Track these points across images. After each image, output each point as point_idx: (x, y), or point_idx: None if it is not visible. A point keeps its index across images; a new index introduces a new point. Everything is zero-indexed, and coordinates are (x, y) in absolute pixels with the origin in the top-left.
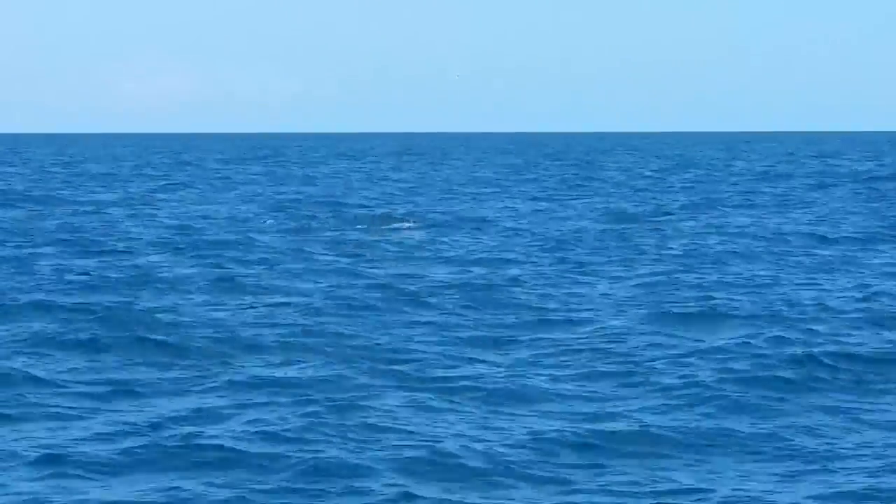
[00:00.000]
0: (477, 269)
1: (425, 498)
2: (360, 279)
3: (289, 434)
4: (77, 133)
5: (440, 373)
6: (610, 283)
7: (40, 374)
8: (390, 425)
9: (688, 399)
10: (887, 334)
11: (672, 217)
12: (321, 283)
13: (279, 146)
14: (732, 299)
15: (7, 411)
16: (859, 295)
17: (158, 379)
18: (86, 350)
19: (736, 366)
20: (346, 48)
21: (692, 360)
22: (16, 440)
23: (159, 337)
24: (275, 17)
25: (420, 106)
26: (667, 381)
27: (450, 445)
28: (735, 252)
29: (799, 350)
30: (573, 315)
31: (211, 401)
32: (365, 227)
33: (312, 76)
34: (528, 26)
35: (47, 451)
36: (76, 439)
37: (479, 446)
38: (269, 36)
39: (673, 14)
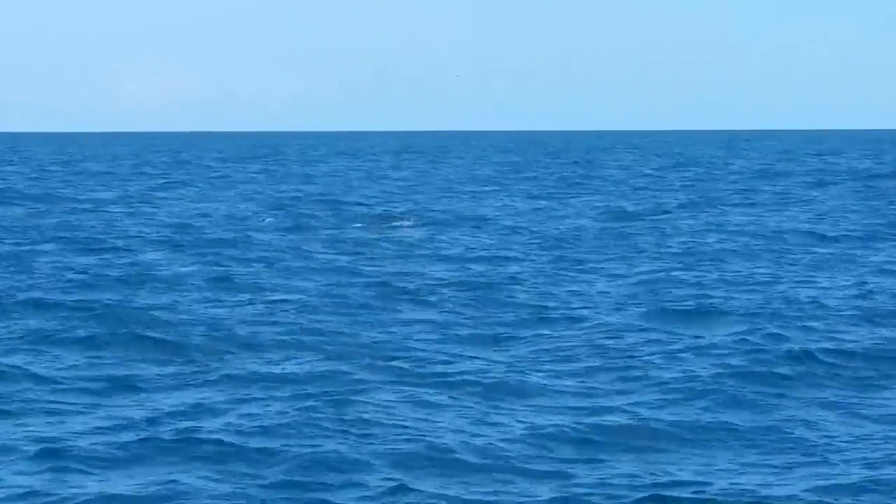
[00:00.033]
0: (476, 267)
1: (423, 492)
2: (359, 277)
3: (286, 429)
4: (77, 132)
5: (439, 369)
6: (609, 280)
7: (39, 370)
8: (388, 420)
9: (686, 394)
10: (884, 331)
11: (671, 215)
12: (320, 280)
13: (278, 144)
14: (731, 297)
15: (6, 407)
16: (857, 292)
17: (157, 375)
18: (84, 347)
19: (734, 362)
20: (346, 48)
21: (690, 356)
22: (15, 435)
23: (158, 334)
24: (275, 17)
25: (420, 105)
26: (665, 376)
27: (448, 440)
28: (734, 250)
29: (796, 346)
30: (572, 312)
31: (209, 396)
32: (364, 225)
33: (312, 76)
34: (527, 25)
35: (46, 445)
36: (74, 434)
37: (477, 441)
38: (269, 36)
39: (672, 13)
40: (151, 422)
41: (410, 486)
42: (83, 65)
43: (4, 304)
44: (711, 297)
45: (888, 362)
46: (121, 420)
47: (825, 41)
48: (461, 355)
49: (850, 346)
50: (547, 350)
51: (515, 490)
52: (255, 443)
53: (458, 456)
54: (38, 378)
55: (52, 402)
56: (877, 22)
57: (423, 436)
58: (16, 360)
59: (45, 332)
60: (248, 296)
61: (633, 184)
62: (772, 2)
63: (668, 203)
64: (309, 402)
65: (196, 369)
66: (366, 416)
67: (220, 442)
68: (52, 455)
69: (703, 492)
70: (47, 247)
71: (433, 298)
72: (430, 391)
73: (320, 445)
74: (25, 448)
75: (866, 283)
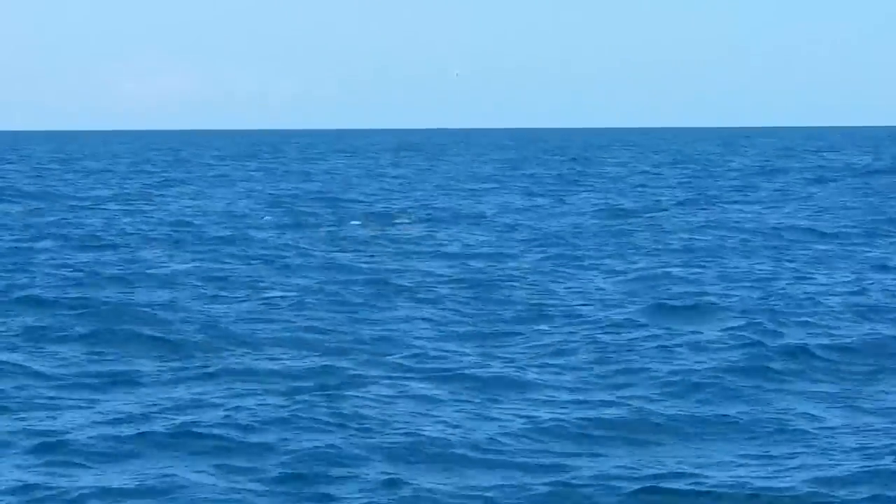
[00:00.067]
0: (474, 264)
1: (421, 486)
2: (358, 274)
3: (284, 423)
4: (76, 130)
5: (437, 364)
6: (607, 277)
7: (37, 366)
8: (386, 415)
9: (684, 387)
10: (881, 327)
11: (669, 212)
12: (318, 278)
13: (278, 143)
14: (729, 293)
15: (4, 403)
16: (854, 289)
17: (155, 371)
18: (83, 343)
19: (732, 356)
20: (346, 48)
21: (688, 351)
22: (13, 430)
23: (156, 330)
24: (275, 17)
25: (420, 105)
26: (663, 370)
27: (447, 434)
28: (732, 247)
29: (794, 341)
30: (570, 308)
31: (207, 391)
32: (363, 222)
33: (312, 76)
34: (526, 23)
35: (44, 439)
36: (72, 428)
37: (476, 435)
38: (269, 36)
39: (671, 11)
40: (149, 417)
41: (408, 480)
42: (83, 65)
43: (3, 301)
44: (710, 293)
45: (886, 357)
46: (118, 415)
47: (824, 38)
48: (459, 351)
49: (847, 341)
50: (545, 345)
51: (514, 483)
52: (252, 437)
53: (456, 450)
54: (36, 374)
55: (51, 397)
56: (876, 19)
57: (422, 430)
58: (14, 356)
59: (44, 328)
60: (246, 293)
61: (631, 181)
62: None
63: (666, 200)
64: (307, 397)
65: (194, 365)
66: (364, 410)
67: (218, 436)
68: (50, 449)
69: (702, 483)
70: (45, 244)
71: (432, 295)
72: (429, 386)
73: (318, 440)
74: (24, 442)
75: (864, 279)
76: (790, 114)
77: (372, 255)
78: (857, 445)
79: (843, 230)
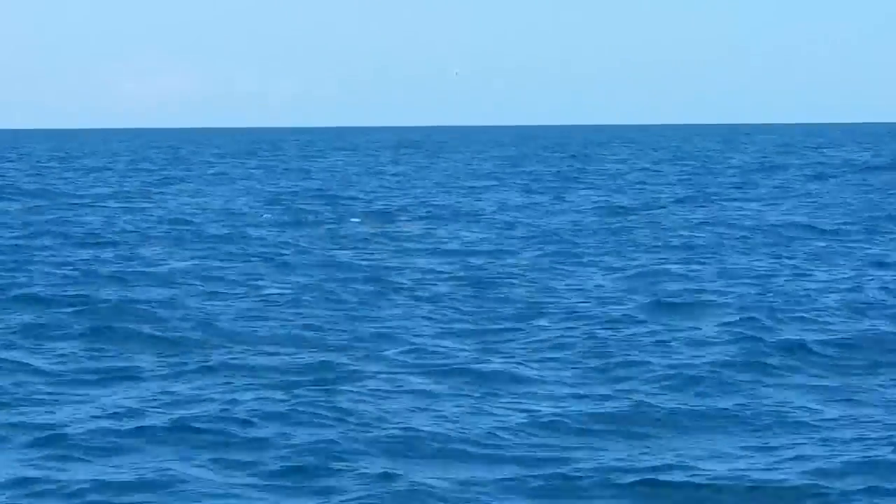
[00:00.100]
0: (474, 261)
1: (419, 479)
2: (357, 272)
3: (282, 418)
4: (76, 129)
5: (436, 360)
6: (605, 273)
7: (36, 363)
8: (385, 409)
9: (682, 381)
10: (879, 323)
11: (668, 209)
12: (317, 275)
13: (277, 140)
14: (728, 290)
15: (2, 398)
16: (854, 285)
17: (153, 367)
18: (81, 340)
19: (730, 351)
20: (346, 48)
21: (687, 346)
22: (11, 424)
23: (155, 327)
24: (275, 17)
25: (420, 105)
26: (662, 364)
27: (445, 428)
28: (731, 244)
29: (793, 337)
30: (569, 305)
31: (205, 386)
32: (362, 220)
33: (312, 76)
34: (525, 21)
35: (42, 433)
36: (70, 423)
37: (474, 429)
38: (269, 36)
39: (671, 8)
40: (148, 412)
41: (406, 474)
42: (83, 65)
43: (2, 298)
44: (708, 289)
45: (884, 353)
46: (117, 409)
47: (824, 34)
48: (458, 347)
49: (846, 337)
50: (543, 341)
51: (512, 476)
52: (251, 432)
53: (454, 444)
54: (34, 370)
55: (49, 392)
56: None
57: (420, 424)
58: (13, 353)
59: (42, 326)
60: (244, 290)
61: (630, 178)
62: None
63: (665, 197)
64: (305, 392)
65: (193, 361)
66: (362, 405)
67: (216, 431)
68: (49, 443)
69: (701, 475)
70: (44, 241)
71: (430, 292)
72: (427, 381)
73: (316, 434)
74: (22, 437)
75: (864, 275)
76: (790, 110)
77: (371, 253)
78: (856, 437)
79: (843, 227)
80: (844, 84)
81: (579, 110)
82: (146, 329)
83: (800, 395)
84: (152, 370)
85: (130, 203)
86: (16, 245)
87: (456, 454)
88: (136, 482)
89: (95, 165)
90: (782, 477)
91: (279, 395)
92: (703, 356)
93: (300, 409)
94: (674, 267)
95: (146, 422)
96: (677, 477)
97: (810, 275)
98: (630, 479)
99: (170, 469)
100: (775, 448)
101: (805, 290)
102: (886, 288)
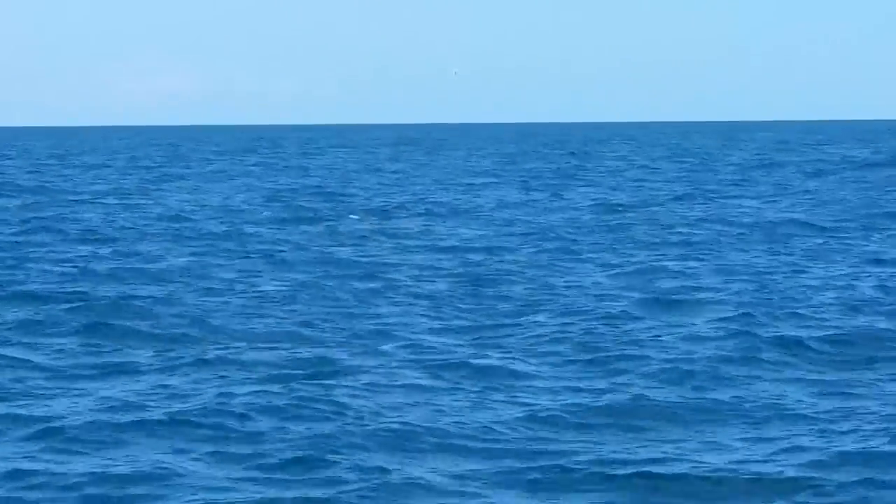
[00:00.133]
0: (472, 257)
1: (417, 473)
2: (355, 268)
3: (277, 411)
4: (75, 127)
5: (434, 355)
6: (604, 270)
7: (33, 358)
8: (383, 404)
9: (679, 375)
10: (875, 319)
11: (666, 206)
12: (315, 272)
13: (276, 138)
14: (725, 286)
15: (0, 393)
16: (849, 282)
17: (150, 361)
18: (79, 336)
19: (727, 346)
20: (346, 47)
21: (685, 342)
22: (9, 417)
23: (152, 323)
24: (275, 17)
25: (419, 104)
26: (660, 359)
27: (443, 423)
28: (729, 241)
29: (790, 333)
30: (567, 301)
31: (202, 381)
32: (360, 216)
33: (312, 76)
34: (525, 18)
35: (40, 426)
36: (68, 416)
37: (470, 423)
38: (269, 36)
39: (670, 6)
40: (145, 405)
41: (404, 468)
42: (83, 64)
43: (0, 294)
44: (706, 286)
45: (881, 349)
46: (114, 403)
47: (823, 32)
48: (456, 342)
49: (843, 333)
50: (541, 336)
51: (509, 469)
52: (248, 425)
53: (451, 438)
54: (32, 366)
55: (46, 387)
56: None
57: (418, 418)
58: (10, 349)
59: (40, 321)
60: (242, 286)
61: (629, 175)
62: None
63: (663, 194)
64: (302, 386)
65: (190, 355)
66: (359, 399)
67: (213, 425)
68: (47, 436)
69: (699, 467)
70: (43, 238)
71: (428, 289)
72: (425, 375)
73: (313, 428)
74: (20, 430)
75: (861, 272)
76: (789, 108)
77: (369, 249)
78: (852, 429)
79: (841, 224)
80: (843, 81)
81: (579, 108)
82: (144, 325)
83: (797, 388)
84: (150, 365)
85: (129, 200)
86: (14, 241)
87: (453, 448)
88: (133, 475)
89: (94, 163)
90: (779, 468)
91: (276, 389)
92: (701, 351)
93: (297, 403)
94: (671, 264)
95: (143, 415)
96: (675, 469)
97: (807, 271)
98: (627, 471)
99: (166, 462)
100: (772, 440)
101: (802, 286)
102: (883, 285)
